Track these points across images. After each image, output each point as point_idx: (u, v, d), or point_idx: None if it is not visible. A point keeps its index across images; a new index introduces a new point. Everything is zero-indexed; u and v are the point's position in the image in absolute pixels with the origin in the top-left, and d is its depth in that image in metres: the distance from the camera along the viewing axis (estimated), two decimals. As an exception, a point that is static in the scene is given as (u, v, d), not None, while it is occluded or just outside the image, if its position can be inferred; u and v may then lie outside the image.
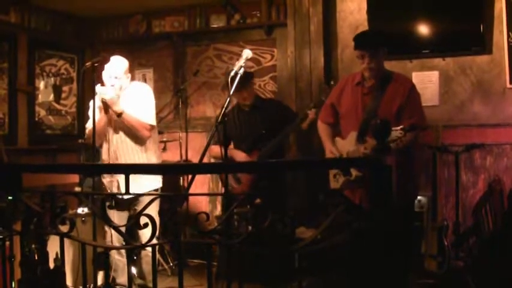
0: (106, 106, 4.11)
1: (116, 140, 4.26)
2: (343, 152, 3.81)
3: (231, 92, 3.60)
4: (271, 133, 4.67)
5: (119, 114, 4.11)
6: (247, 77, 4.84)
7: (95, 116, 4.08)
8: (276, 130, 4.67)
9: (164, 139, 5.76)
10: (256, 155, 4.67)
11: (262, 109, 4.80)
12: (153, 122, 4.29)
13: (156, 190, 4.31)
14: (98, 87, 4.09)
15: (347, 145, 3.78)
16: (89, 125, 4.30)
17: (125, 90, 4.27)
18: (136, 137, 4.24)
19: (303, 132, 5.00)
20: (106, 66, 4.26)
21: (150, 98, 4.34)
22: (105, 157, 4.32)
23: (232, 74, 3.61)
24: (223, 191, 4.97)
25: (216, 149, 4.07)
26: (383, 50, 3.77)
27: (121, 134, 4.25)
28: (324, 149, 4.02)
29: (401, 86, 3.73)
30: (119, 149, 4.26)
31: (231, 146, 4.82)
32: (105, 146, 4.32)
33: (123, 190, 4.05)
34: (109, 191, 4.26)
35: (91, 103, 4.17)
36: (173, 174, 5.31)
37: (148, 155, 4.32)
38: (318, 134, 4.15)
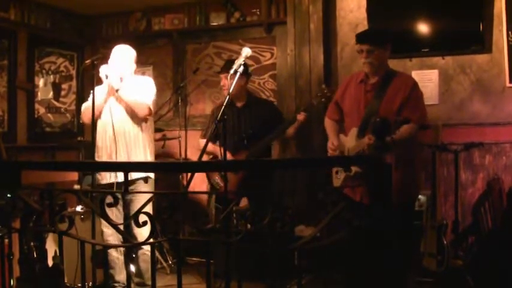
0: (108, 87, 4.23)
1: (115, 122, 4.25)
2: (345, 149, 3.83)
3: (230, 90, 3.61)
4: (260, 133, 4.67)
5: (117, 90, 4.19)
6: (244, 68, 4.79)
7: (99, 96, 4.21)
8: (264, 131, 4.68)
9: (163, 137, 5.76)
10: (243, 154, 4.66)
11: (254, 108, 4.80)
12: (151, 106, 4.33)
13: (147, 178, 4.33)
14: (103, 67, 4.18)
15: (348, 141, 3.81)
16: (85, 104, 4.38)
17: (128, 80, 4.31)
18: (135, 116, 4.27)
19: (287, 139, 5.03)
20: (114, 52, 4.38)
21: (150, 86, 4.40)
22: (101, 144, 4.34)
23: (231, 72, 3.61)
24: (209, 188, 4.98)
25: (211, 145, 4.08)
26: (384, 47, 3.77)
27: (120, 115, 4.28)
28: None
29: (403, 84, 3.73)
30: (118, 132, 4.25)
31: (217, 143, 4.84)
32: (101, 129, 4.33)
33: (119, 176, 4.11)
34: (106, 177, 4.29)
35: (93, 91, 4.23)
36: (172, 172, 5.30)
37: (144, 141, 4.36)
38: (320, 131, 4.18)
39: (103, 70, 4.16)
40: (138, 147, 4.30)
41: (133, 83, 4.35)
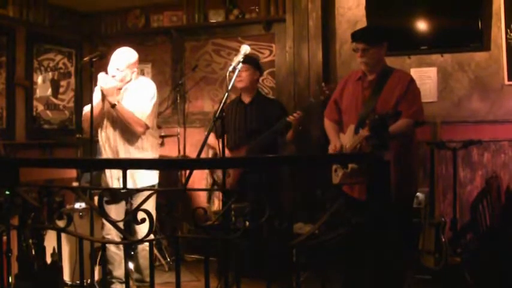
0: (103, 95, 4.11)
1: (114, 137, 4.25)
2: (343, 146, 3.84)
3: (229, 87, 3.60)
4: (263, 131, 4.59)
5: (113, 105, 4.10)
6: (256, 62, 4.78)
7: (96, 100, 4.12)
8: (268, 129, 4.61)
9: (162, 134, 5.75)
10: (242, 151, 4.61)
11: (261, 107, 4.74)
12: (148, 121, 4.23)
13: (152, 186, 4.30)
14: (101, 74, 4.10)
15: (346, 139, 3.82)
16: (86, 108, 4.28)
17: (130, 83, 4.27)
18: (129, 132, 4.21)
19: (288, 142, 4.79)
20: (112, 56, 4.27)
21: (150, 96, 4.29)
22: (104, 152, 4.31)
23: (230, 69, 3.61)
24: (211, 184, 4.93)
25: (214, 140, 4.05)
26: (380, 45, 3.78)
27: (117, 130, 4.24)
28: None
29: (400, 81, 3.74)
30: (118, 146, 4.25)
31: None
32: (102, 141, 4.31)
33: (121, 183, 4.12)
34: (109, 183, 4.25)
35: (96, 88, 4.20)
36: (171, 169, 5.30)
37: (146, 147, 4.30)
38: (318, 128, 4.17)
39: (100, 80, 4.08)
40: (141, 154, 4.27)
41: (134, 89, 4.27)
